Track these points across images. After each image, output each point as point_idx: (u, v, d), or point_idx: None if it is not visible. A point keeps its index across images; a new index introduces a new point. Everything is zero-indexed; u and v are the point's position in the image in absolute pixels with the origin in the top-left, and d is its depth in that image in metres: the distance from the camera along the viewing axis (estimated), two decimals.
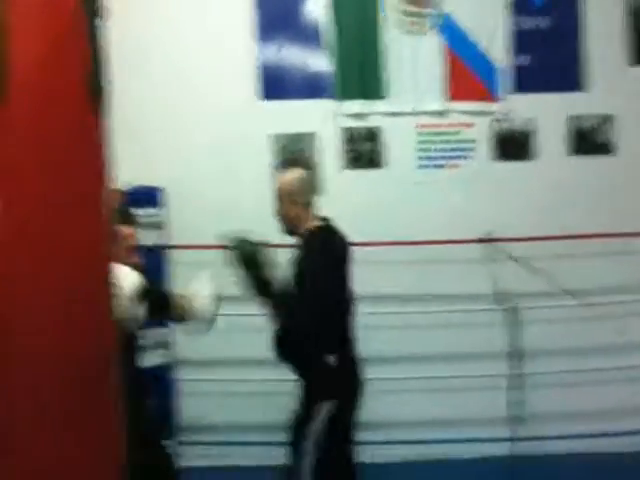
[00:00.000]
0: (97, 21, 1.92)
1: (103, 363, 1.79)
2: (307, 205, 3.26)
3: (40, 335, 1.66)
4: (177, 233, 4.63)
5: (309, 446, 2.99)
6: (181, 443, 4.44)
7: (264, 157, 4.79)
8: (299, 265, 3.15)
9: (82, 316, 1.73)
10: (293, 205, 3.23)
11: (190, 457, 4.25)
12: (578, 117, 4.87)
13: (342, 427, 3.10)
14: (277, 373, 3.39)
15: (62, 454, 1.67)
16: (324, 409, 3.00)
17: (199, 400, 4.62)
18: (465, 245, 4.64)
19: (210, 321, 3.16)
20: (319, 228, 3.24)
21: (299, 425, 3.07)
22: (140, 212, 4.38)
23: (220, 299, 3.15)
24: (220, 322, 3.23)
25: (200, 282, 3.19)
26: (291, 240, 3.24)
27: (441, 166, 4.88)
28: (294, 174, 3.33)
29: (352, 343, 3.19)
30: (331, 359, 3.05)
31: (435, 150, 4.88)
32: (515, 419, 4.55)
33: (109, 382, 1.80)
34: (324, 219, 3.28)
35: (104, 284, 1.86)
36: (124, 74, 4.60)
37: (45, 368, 1.66)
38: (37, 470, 1.64)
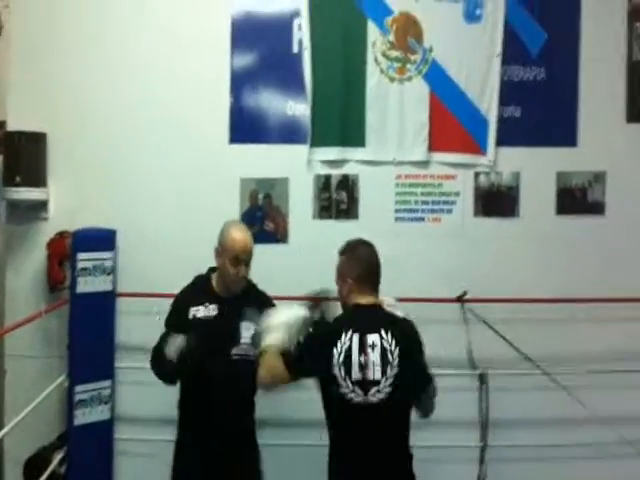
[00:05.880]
0: None
1: None
2: None
3: None
4: (128, 280, 4.34)
5: None
6: None
7: (233, 201, 4.54)
8: None
9: None
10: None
11: None
12: (568, 174, 4.60)
13: None
14: None
15: None
16: None
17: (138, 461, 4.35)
18: (442, 304, 4.34)
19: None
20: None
21: None
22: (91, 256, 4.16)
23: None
24: None
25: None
26: None
27: (421, 219, 4.60)
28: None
29: None
30: None
31: (415, 202, 4.61)
32: None
33: None
34: None
35: None
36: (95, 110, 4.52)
37: None
38: None
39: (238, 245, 3.18)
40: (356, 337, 2.71)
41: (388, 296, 3.01)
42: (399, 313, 2.94)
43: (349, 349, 2.69)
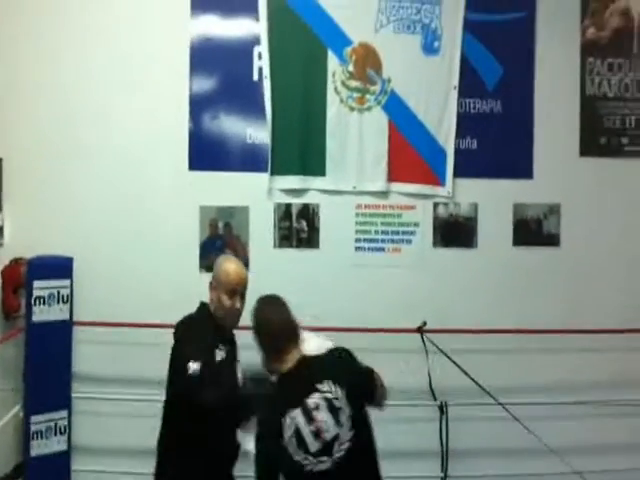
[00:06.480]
0: None
1: None
2: None
3: None
4: (84, 308, 4.29)
5: None
6: None
7: (193, 230, 4.51)
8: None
9: None
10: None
11: None
12: (524, 205, 4.69)
13: None
14: None
15: None
16: None
17: None
18: (402, 335, 4.37)
19: None
20: None
21: None
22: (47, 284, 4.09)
23: None
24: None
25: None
26: None
27: (381, 250, 4.63)
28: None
29: None
30: None
31: (375, 232, 4.64)
32: None
33: None
34: None
35: None
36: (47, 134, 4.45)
37: None
38: None
39: (232, 277, 3.12)
40: (298, 412, 2.54)
41: (305, 332, 2.83)
42: (323, 342, 2.82)
43: (297, 430, 2.53)
